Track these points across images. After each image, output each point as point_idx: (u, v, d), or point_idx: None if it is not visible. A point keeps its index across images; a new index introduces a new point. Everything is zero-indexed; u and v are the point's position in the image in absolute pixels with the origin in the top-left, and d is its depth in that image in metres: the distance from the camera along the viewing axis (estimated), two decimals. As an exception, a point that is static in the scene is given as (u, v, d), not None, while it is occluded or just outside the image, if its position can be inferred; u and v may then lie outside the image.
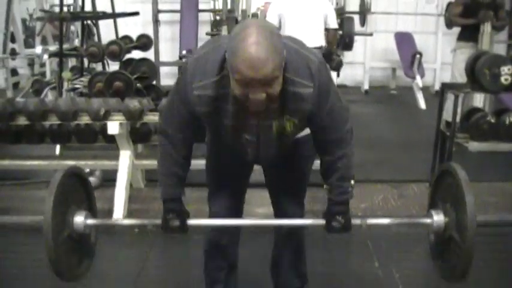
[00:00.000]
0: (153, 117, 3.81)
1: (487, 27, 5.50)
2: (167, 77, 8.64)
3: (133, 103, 3.76)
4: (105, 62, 5.75)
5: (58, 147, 4.60)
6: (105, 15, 6.43)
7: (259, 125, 1.93)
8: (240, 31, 1.67)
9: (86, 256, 2.29)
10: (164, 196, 2.16)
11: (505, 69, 3.90)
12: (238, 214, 2.44)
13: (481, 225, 1.97)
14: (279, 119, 1.89)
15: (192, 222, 2.18)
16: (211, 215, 2.39)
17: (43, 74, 6.79)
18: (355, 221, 2.13)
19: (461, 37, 5.78)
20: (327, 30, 5.15)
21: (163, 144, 2.08)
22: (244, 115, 1.86)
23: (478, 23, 5.52)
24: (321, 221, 2.13)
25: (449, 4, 6.31)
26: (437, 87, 8.06)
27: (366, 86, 8.81)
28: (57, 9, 7.08)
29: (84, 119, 3.82)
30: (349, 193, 2.10)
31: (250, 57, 1.60)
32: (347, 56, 8.57)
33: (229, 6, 7.10)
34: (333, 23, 5.19)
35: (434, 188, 2.27)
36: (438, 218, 2.12)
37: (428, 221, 2.15)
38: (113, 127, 3.73)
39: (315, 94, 1.83)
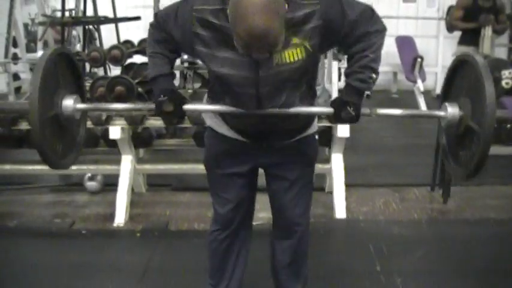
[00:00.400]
0: (154, 122, 3.82)
1: (487, 31, 5.52)
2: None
3: (135, 108, 3.75)
4: (107, 66, 5.77)
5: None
6: (106, 20, 6.45)
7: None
8: None
9: (72, 146, 2.22)
10: (153, 73, 2.03)
11: (506, 73, 3.91)
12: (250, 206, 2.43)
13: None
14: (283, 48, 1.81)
15: (188, 107, 2.03)
16: (218, 204, 2.34)
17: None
18: (365, 110, 2.01)
19: (462, 41, 5.80)
20: None
21: (155, 31, 2.04)
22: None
23: (478, 27, 5.53)
24: (329, 110, 2.02)
25: (450, 8, 6.33)
26: (438, 91, 8.06)
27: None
28: (59, 14, 7.10)
29: (86, 124, 3.82)
30: (368, 83, 1.97)
31: (251, 27, 1.59)
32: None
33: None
34: None
35: (448, 81, 2.18)
36: (453, 110, 2.02)
37: (442, 113, 2.05)
38: (115, 132, 3.73)
39: (323, 8, 1.81)
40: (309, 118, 2.20)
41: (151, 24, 2.07)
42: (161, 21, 2.02)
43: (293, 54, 1.84)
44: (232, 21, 1.65)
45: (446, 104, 2.06)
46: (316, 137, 2.35)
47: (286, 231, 2.41)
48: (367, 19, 1.93)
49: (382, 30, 1.97)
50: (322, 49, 1.99)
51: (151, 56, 2.06)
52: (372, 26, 1.94)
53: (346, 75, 2.01)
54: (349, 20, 1.88)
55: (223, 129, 2.19)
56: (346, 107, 1.97)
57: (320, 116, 3.14)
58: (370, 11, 1.94)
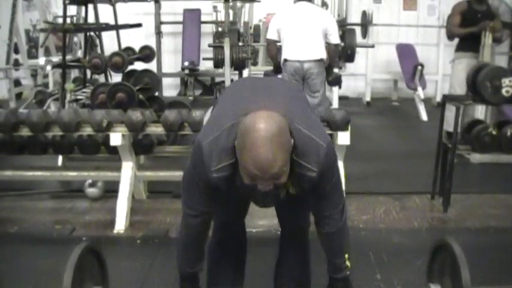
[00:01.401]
0: (155, 129, 3.82)
1: (488, 39, 5.50)
2: (170, 88, 8.69)
3: (136, 114, 3.76)
4: (108, 73, 5.78)
5: (60, 158, 4.61)
6: (108, 27, 6.47)
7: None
8: (249, 127, 1.72)
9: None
10: (182, 272, 2.25)
11: (506, 81, 3.91)
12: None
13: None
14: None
15: None
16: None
17: (46, 85, 6.82)
18: None
19: (460, 47, 5.78)
20: (327, 44, 5.11)
21: (188, 217, 2.12)
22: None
23: (478, 31, 5.53)
24: None
25: (449, 16, 6.33)
26: (438, 98, 8.06)
27: (368, 98, 8.82)
28: (60, 21, 7.10)
29: (87, 130, 3.83)
30: (343, 269, 2.17)
31: (258, 159, 1.67)
32: (349, 68, 8.60)
33: (231, 18, 7.13)
34: (334, 38, 5.14)
35: (431, 260, 2.32)
36: None
37: None
38: (116, 138, 3.74)
39: (318, 176, 1.91)
40: None
41: (184, 212, 2.14)
42: (190, 204, 2.10)
43: (292, 191, 2.00)
44: (240, 152, 1.73)
45: (431, 285, 2.25)
46: None
47: (292, 234, 2.49)
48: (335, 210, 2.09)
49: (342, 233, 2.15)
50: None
51: (185, 246, 2.22)
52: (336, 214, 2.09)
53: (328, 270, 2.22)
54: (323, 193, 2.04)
55: None
56: None
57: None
58: (341, 207, 2.10)
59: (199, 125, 3.40)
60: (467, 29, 5.56)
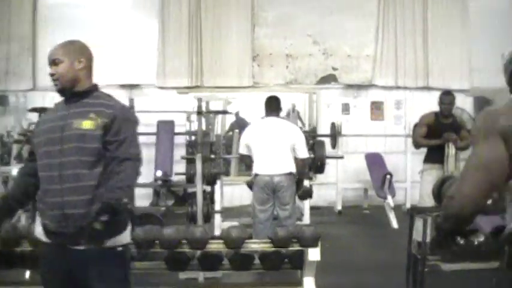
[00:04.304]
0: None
1: (451, 150, 5.70)
2: (142, 198, 8.66)
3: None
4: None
5: (28, 272, 4.51)
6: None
7: None
8: None
9: None
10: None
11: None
12: None
13: None
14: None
15: None
16: None
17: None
18: None
19: (427, 159, 5.98)
20: (295, 158, 5.24)
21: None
22: None
23: (442, 143, 5.73)
24: None
25: (415, 125, 6.56)
26: (409, 205, 8.19)
27: (339, 207, 8.87)
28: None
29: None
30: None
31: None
32: (319, 177, 8.72)
33: (204, 128, 7.31)
34: (301, 153, 5.29)
35: None
36: None
37: None
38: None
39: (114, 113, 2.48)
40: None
41: None
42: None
43: (87, 124, 2.42)
44: None
45: None
46: None
47: None
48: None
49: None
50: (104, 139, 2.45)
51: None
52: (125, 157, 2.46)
53: None
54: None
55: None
56: None
57: (291, 240, 3.21)
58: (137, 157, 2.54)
59: (171, 241, 3.40)
60: (432, 141, 5.78)
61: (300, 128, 9.50)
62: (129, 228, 2.56)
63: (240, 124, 10.59)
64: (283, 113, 11.52)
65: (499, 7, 9.69)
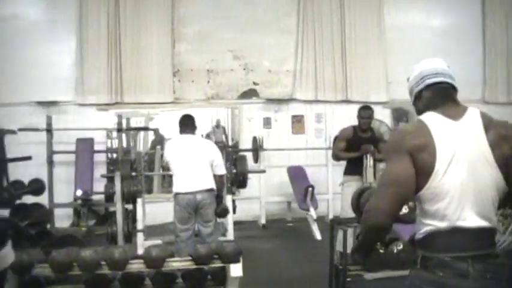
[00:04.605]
0: (42, 270, 3.65)
1: (369, 161, 5.90)
2: (62, 219, 8.39)
3: (23, 256, 3.59)
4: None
5: None
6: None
7: None
8: None
9: None
10: None
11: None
12: None
13: None
14: None
15: None
16: None
17: None
18: None
19: (347, 171, 6.16)
20: (214, 175, 5.26)
21: None
22: None
23: (360, 155, 5.93)
24: None
25: (335, 139, 6.73)
26: (331, 216, 8.32)
27: (263, 220, 8.93)
28: None
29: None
30: None
31: None
32: (243, 192, 8.74)
33: (124, 145, 7.19)
34: (220, 170, 5.33)
35: None
36: None
37: None
38: None
39: None
40: None
41: None
42: None
43: None
44: None
45: None
46: None
47: None
48: None
49: None
50: None
51: None
52: None
53: None
54: None
55: None
56: None
57: (213, 257, 3.20)
58: None
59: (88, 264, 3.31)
60: (350, 154, 5.98)
61: (224, 143, 9.53)
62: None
63: (160, 141, 10.50)
64: (208, 129, 11.66)
65: (414, 22, 10.17)
